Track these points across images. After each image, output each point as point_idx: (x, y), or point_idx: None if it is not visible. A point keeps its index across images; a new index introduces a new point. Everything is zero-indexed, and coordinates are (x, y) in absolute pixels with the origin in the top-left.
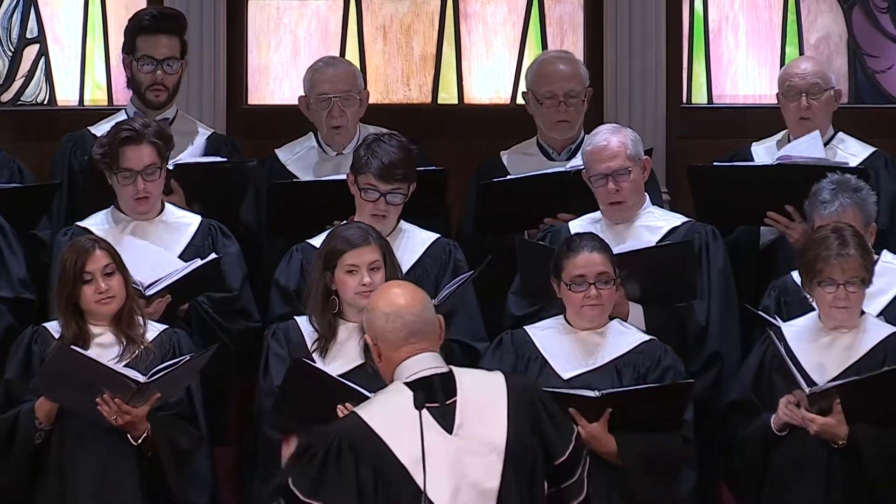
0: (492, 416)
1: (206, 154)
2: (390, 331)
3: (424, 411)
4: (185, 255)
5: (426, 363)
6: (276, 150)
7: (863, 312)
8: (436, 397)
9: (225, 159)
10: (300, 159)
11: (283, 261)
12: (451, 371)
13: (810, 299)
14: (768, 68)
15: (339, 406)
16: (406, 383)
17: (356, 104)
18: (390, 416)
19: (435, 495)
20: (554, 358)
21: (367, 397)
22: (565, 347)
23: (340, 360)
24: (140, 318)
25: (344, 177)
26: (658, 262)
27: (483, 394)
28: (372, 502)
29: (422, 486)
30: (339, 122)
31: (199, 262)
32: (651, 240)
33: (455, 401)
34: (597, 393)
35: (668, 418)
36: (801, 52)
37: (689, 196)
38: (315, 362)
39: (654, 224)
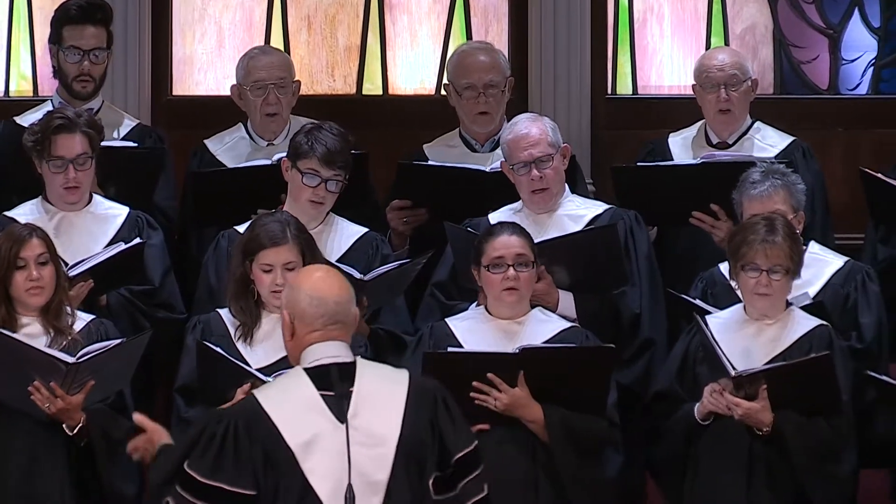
0: (388, 408)
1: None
2: (311, 314)
3: (318, 398)
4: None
5: (331, 351)
6: (206, 141)
7: (789, 304)
8: (331, 386)
9: (137, 144)
10: (230, 149)
11: (209, 249)
12: (354, 362)
13: (735, 286)
14: (693, 59)
15: (238, 389)
16: (305, 369)
17: (290, 92)
18: (285, 400)
19: (318, 483)
20: (474, 348)
21: (266, 381)
22: (485, 337)
23: (265, 351)
24: (68, 309)
25: (267, 162)
26: (583, 247)
27: (382, 386)
28: (263, 485)
29: (305, 473)
30: (275, 108)
31: (122, 246)
32: (574, 228)
33: (351, 391)
34: (516, 349)
35: (592, 391)
36: (727, 43)
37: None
38: (237, 351)
39: (577, 213)
